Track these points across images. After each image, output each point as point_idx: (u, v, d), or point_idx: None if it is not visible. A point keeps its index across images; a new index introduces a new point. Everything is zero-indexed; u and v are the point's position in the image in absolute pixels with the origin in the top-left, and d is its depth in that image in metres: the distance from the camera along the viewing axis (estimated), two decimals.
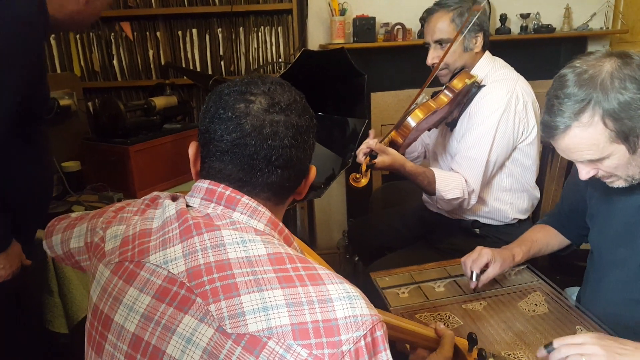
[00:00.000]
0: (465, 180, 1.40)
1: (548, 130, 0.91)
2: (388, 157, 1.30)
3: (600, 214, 1.07)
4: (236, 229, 0.62)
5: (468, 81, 1.40)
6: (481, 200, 1.50)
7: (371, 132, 1.39)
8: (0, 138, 0.99)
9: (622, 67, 0.84)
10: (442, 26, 1.43)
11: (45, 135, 1.22)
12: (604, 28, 2.54)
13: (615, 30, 2.54)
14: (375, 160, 1.28)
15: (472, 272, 1.14)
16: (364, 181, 1.27)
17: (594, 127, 0.85)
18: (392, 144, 1.40)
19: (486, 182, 1.47)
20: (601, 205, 1.06)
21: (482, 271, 1.15)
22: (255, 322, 0.53)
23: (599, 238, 1.08)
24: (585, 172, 0.93)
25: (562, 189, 1.58)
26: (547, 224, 1.27)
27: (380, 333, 0.56)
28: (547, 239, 1.24)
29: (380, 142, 1.34)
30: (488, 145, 1.39)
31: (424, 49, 1.51)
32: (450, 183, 1.39)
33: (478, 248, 1.17)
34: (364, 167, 1.27)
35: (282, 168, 0.64)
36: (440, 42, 1.44)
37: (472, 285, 1.14)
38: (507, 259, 1.16)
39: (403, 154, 1.40)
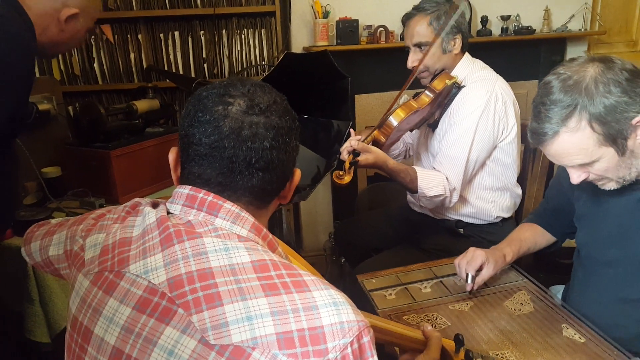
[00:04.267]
0: (447, 179, 1.42)
1: (536, 137, 0.91)
2: (371, 155, 1.31)
3: (590, 215, 1.07)
4: (219, 236, 0.60)
5: (448, 82, 1.42)
6: (464, 199, 1.52)
7: (352, 132, 1.41)
8: None
9: (605, 71, 0.85)
10: (421, 30, 1.45)
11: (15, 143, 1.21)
12: (582, 29, 2.59)
13: (593, 31, 2.59)
14: (359, 158, 1.29)
15: (467, 275, 1.14)
16: (347, 178, 1.28)
17: (582, 131, 0.86)
18: (375, 143, 1.42)
19: (467, 181, 1.48)
20: (590, 206, 1.07)
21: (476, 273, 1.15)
22: (239, 332, 0.52)
23: (589, 238, 1.09)
24: (576, 177, 0.93)
25: (544, 189, 1.61)
26: (533, 222, 1.29)
27: (367, 339, 0.55)
28: (534, 237, 1.25)
29: (363, 140, 1.35)
30: (468, 143, 1.41)
31: (406, 52, 1.53)
32: (432, 181, 1.40)
33: (471, 249, 1.17)
34: (347, 165, 1.29)
35: (263, 171, 0.63)
36: (419, 45, 1.47)
37: (469, 288, 1.14)
38: (499, 259, 1.17)
39: (386, 153, 1.41)
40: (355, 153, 1.30)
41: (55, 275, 0.83)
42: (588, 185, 0.98)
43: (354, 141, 1.31)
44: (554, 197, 1.22)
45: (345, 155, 1.31)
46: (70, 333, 0.66)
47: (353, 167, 1.28)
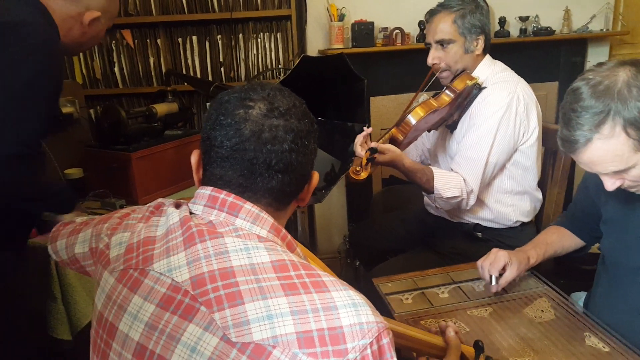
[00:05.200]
0: (464, 180, 1.40)
1: (568, 145, 0.89)
2: (388, 152, 1.31)
3: (618, 220, 1.05)
4: (239, 236, 0.61)
5: (469, 82, 1.41)
6: (482, 202, 1.50)
7: (366, 128, 1.40)
8: (33, 150, 1.02)
9: (638, 75, 0.83)
10: (444, 27, 1.43)
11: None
12: (604, 30, 2.54)
13: (615, 32, 2.54)
14: (375, 155, 1.29)
15: (491, 276, 1.12)
16: (363, 174, 1.27)
17: (616, 137, 0.83)
18: (393, 141, 1.41)
19: (486, 184, 1.47)
20: (618, 211, 1.04)
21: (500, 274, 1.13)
22: (260, 330, 0.53)
23: (616, 245, 1.06)
24: (610, 184, 0.91)
25: (565, 193, 1.58)
26: (561, 225, 1.26)
27: (386, 340, 0.55)
28: (561, 241, 1.23)
29: (381, 138, 1.34)
30: (488, 146, 1.40)
31: (423, 53, 1.52)
32: (449, 182, 1.39)
33: (494, 250, 1.16)
34: (364, 161, 1.28)
35: (283, 173, 0.64)
36: (441, 43, 1.45)
37: (494, 290, 1.13)
38: (522, 261, 1.15)
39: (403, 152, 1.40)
40: (372, 150, 1.29)
41: (81, 273, 0.85)
42: (615, 190, 0.95)
43: (374, 144, 1.30)
44: (580, 200, 1.20)
45: (360, 151, 1.31)
46: (96, 329, 0.67)
47: (370, 163, 1.28)
